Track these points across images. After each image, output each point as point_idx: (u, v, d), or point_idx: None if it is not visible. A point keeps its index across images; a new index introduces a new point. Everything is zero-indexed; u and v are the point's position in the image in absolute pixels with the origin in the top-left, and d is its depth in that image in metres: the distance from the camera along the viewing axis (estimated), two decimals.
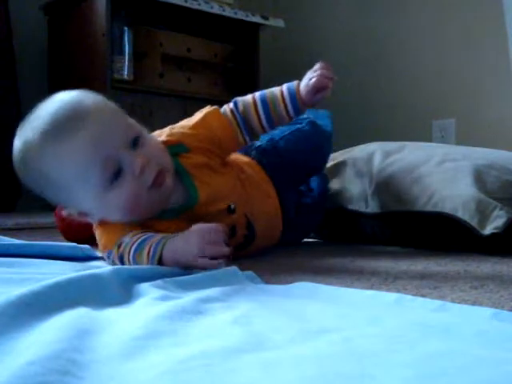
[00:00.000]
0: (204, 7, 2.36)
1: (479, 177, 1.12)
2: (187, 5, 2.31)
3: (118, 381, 0.36)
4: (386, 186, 1.17)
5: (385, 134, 2.27)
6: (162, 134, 0.89)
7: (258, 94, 0.92)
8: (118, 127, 0.76)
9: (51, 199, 0.80)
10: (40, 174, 0.75)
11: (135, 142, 0.77)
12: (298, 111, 0.91)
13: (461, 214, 1.04)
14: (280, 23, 2.62)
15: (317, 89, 0.87)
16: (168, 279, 0.64)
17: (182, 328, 0.47)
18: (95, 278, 0.58)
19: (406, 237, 1.15)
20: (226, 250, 0.72)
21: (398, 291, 0.62)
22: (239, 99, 0.92)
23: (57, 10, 2.39)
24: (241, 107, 0.91)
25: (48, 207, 1.08)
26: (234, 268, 0.69)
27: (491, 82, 2.26)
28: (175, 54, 2.33)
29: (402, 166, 1.20)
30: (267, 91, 0.93)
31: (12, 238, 1.08)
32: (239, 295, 0.59)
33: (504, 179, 1.14)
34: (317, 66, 0.89)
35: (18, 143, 0.76)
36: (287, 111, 0.91)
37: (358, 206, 1.19)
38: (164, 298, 0.56)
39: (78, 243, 0.97)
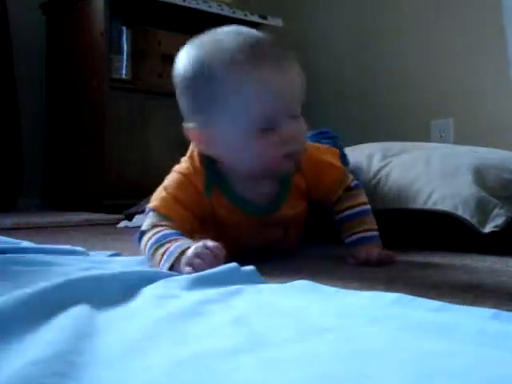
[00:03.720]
0: (202, 6, 2.36)
1: (479, 175, 1.12)
2: (186, 4, 2.31)
3: (117, 382, 0.35)
4: (384, 185, 1.17)
5: (383, 134, 2.27)
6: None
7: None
8: (298, 95, 0.82)
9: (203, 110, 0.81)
10: (218, 84, 0.77)
11: (295, 115, 0.81)
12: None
13: (461, 213, 1.04)
14: (278, 22, 2.62)
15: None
16: (168, 279, 0.64)
17: (182, 328, 0.46)
18: (96, 279, 0.58)
19: (403, 235, 1.15)
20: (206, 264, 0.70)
21: (397, 291, 0.62)
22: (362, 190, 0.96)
23: (55, 10, 2.38)
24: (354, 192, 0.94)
25: (46, 207, 1.08)
26: (234, 265, 0.69)
27: (489, 81, 2.26)
28: (174, 53, 2.31)
29: (401, 165, 1.20)
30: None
31: (10, 237, 1.08)
32: (238, 295, 0.59)
33: (503, 178, 1.14)
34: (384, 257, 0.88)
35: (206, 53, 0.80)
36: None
37: None
38: (164, 299, 0.56)
39: None
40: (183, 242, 0.76)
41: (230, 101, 0.78)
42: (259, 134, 0.79)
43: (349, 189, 0.93)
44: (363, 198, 0.94)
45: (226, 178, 0.87)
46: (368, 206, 0.93)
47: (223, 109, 0.78)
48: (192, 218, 0.85)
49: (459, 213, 1.04)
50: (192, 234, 0.83)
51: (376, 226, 0.92)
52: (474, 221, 1.02)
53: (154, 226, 0.82)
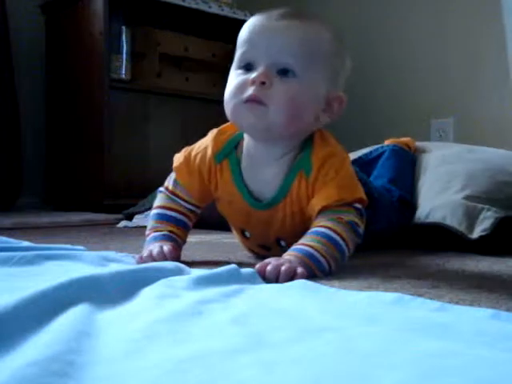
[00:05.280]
0: (202, 6, 2.36)
1: (471, 179, 1.14)
2: (185, 4, 2.31)
3: (116, 381, 0.36)
4: None
5: (383, 133, 2.27)
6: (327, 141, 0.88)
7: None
8: (282, 46, 0.81)
9: None
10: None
11: (282, 71, 0.80)
12: None
13: (449, 221, 1.05)
14: None
15: None
16: (168, 279, 0.64)
17: (182, 328, 0.46)
18: (95, 279, 0.58)
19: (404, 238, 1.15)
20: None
21: (397, 291, 0.62)
22: None
23: (54, 10, 2.38)
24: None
25: (46, 207, 1.08)
26: (234, 266, 0.69)
27: (490, 81, 2.26)
28: (173, 53, 2.33)
29: None
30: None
31: (10, 237, 1.08)
32: (238, 295, 0.59)
33: (498, 180, 1.15)
34: None
35: None
36: None
37: None
38: (164, 299, 0.56)
39: None
40: (158, 235, 0.88)
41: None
42: (236, 75, 0.83)
43: (339, 214, 0.81)
44: (344, 232, 0.80)
45: (239, 156, 0.88)
46: (338, 238, 0.79)
47: None
48: (198, 183, 0.90)
49: (447, 222, 1.05)
50: (200, 200, 0.92)
51: (327, 255, 0.77)
52: (462, 228, 1.03)
53: (165, 195, 0.92)
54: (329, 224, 0.80)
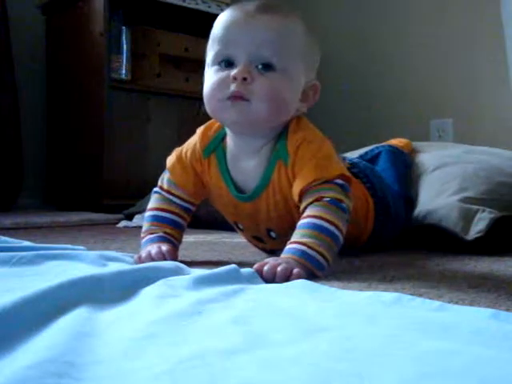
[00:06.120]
0: (202, 7, 2.36)
1: (466, 181, 1.15)
2: (185, 4, 2.31)
3: (117, 381, 0.36)
4: None
5: (383, 133, 2.27)
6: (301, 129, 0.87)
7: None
8: (262, 41, 0.81)
9: None
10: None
11: (263, 66, 0.81)
12: None
13: (444, 223, 1.05)
14: None
15: None
16: (168, 279, 0.64)
17: (181, 328, 0.47)
18: (96, 279, 0.58)
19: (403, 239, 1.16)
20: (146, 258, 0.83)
21: (396, 290, 0.62)
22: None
23: (55, 10, 2.38)
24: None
25: (46, 207, 1.08)
26: (234, 267, 0.69)
27: (489, 82, 2.26)
28: (173, 53, 2.33)
29: None
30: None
31: (10, 237, 1.08)
32: (238, 295, 0.59)
33: (495, 180, 1.16)
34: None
35: None
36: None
37: None
38: (164, 298, 0.56)
39: None
40: (154, 237, 0.88)
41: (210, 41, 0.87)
42: (214, 71, 0.83)
43: (319, 193, 0.80)
44: (331, 215, 0.78)
45: (225, 149, 0.90)
46: (329, 226, 0.77)
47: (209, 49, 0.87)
48: (192, 178, 0.92)
49: (443, 224, 1.05)
50: (195, 196, 0.93)
51: (322, 249, 0.76)
52: (458, 229, 1.03)
53: (160, 196, 0.93)
54: (315, 212, 0.79)
